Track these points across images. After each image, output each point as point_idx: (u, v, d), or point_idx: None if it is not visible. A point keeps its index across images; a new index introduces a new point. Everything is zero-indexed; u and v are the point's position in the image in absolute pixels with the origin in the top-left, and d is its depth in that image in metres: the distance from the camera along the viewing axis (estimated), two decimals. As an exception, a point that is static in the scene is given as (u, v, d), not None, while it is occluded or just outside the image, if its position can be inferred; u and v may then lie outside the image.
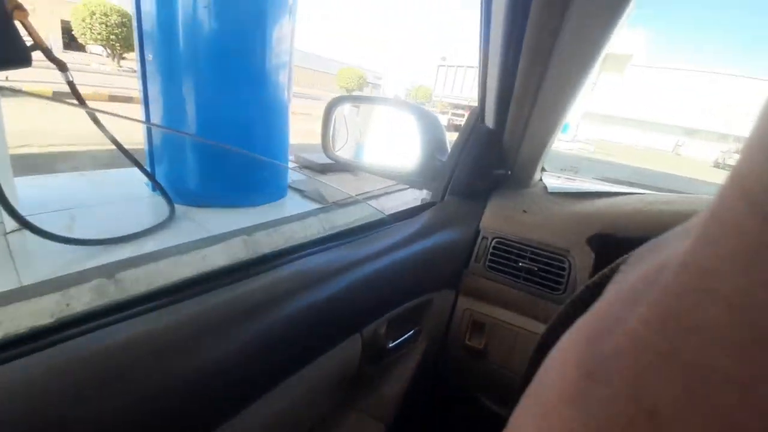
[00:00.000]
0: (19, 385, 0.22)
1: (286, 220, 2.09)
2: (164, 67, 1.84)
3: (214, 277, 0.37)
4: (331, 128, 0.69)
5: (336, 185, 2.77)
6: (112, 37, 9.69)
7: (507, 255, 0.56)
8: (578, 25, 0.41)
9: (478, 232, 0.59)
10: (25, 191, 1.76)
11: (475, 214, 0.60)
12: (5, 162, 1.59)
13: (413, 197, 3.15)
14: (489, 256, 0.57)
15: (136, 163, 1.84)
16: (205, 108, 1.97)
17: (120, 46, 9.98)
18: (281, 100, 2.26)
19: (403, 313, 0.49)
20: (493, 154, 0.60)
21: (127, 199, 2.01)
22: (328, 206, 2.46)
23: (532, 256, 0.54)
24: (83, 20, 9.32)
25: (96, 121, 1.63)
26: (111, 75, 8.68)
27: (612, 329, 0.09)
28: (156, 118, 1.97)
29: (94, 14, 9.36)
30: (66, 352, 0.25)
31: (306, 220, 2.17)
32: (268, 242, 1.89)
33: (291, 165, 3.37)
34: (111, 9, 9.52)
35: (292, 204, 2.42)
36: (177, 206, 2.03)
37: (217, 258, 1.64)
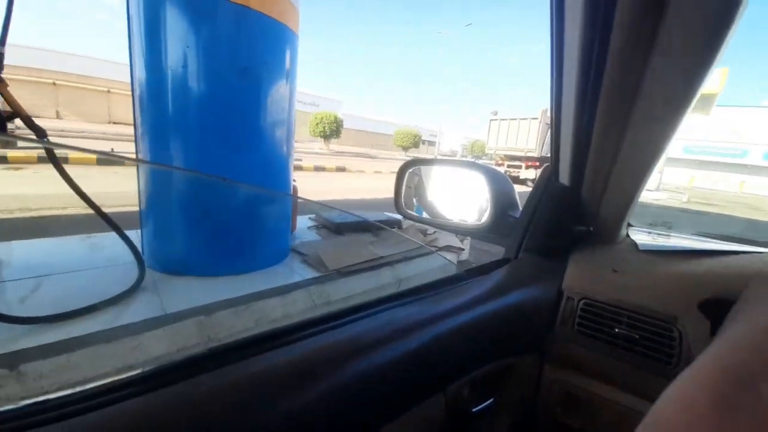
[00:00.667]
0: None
1: (266, 293, 1.78)
2: (154, 130, 1.79)
3: (300, 328, 0.37)
4: (403, 188, 0.74)
5: (352, 247, 2.43)
6: (327, 131, 16.01)
7: (599, 319, 0.51)
8: (665, 65, 0.35)
9: (561, 292, 0.55)
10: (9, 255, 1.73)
11: (555, 273, 0.56)
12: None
13: (438, 264, 2.69)
14: (577, 319, 0.52)
15: (114, 227, 1.72)
16: (194, 168, 1.85)
17: (328, 136, 16.51)
18: (279, 161, 2.11)
19: (482, 377, 0.47)
20: (570, 211, 0.58)
21: (105, 264, 1.89)
22: (327, 275, 2.10)
23: (630, 321, 0.49)
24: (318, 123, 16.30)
25: (73, 186, 1.56)
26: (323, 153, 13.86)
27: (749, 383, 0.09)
28: (147, 179, 1.90)
29: (323, 120, 15.99)
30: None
31: (291, 294, 1.83)
32: (232, 324, 1.56)
33: (309, 224, 3.17)
34: (329, 116, 16.08)
35: (287, 271, 2.12)
36: (155, 274, 1.86)
37: (155, 346, 1.34)
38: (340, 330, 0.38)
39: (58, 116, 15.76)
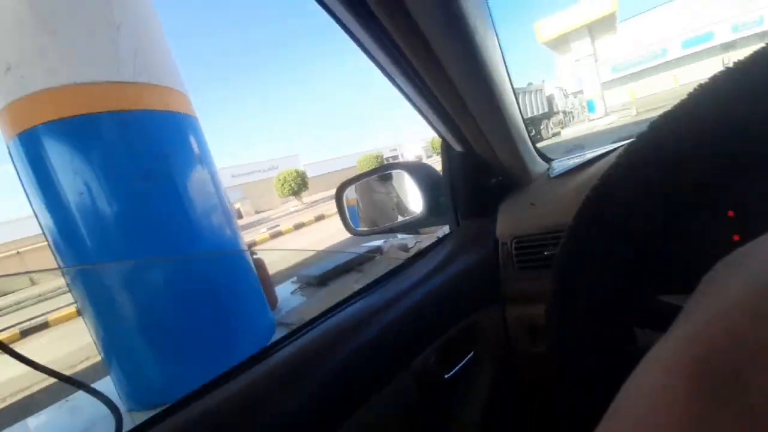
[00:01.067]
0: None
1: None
2: (81, 271, 1.68)
3: (280, 341, 0.43)
4: (345, 209, 0.78)
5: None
6: (294, 187, 16.07)
7: (531, 251, 0.55)
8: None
9: (496, 241, 0.60)
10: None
11: (489, 227, 0.61)
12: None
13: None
14: (514, 258, 0.57)
15: (80, 385, 1.55)
16: (142, 290, 1.72)
17: (297, 192, 16.58)
18: (227, 243, 1.99)
19: (451, 340, 0.50)
20: (477, 170, 0.62)
21: (86, 426, 1.71)
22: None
23: (554, 242, 0.53)
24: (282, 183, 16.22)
25: (30, 363, 1.41)
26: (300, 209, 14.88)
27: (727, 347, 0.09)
28: (94, 323, 1.76)
29: (287, 179, 15.98)
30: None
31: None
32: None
33: (292, 288, 3.03)
34: (290, 173, 16.26)
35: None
36: (135, 414, 1.68)
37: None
38: (314, 331, 0.43)
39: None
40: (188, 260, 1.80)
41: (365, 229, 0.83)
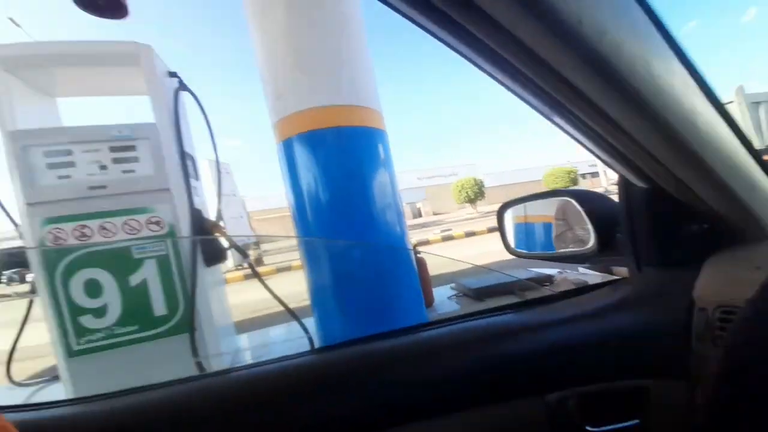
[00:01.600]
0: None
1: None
2: (303, 233, 2.33)
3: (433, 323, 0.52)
4: (506, 230, 0.80)
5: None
6: (471, 195, 17.12)
7: None
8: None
9: (692, 303, 0.48)
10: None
11: (683, 284, 0.50)
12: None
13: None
14: (717, 332, 0.44)
15: (295, 317, 2.19)
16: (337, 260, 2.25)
17: (473, 200, 17.59)
18: (395, 238, 2.30)
19: (602, 394, 0.47)
20: (672, 212, 0.51)
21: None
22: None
23: None
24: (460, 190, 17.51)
25: (268, 290, 2.14)
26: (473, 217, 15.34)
27: None
28: (308, 278, 2.41)
29: (464, 186, 17.31)
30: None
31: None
32: None
33: (450, 293, 3.12)
34: (468, 181, 17.26)
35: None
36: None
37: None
38: (459, 325, 0.49)
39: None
40: (366, 246, 2.20)
41: (525, 252, 0.81)
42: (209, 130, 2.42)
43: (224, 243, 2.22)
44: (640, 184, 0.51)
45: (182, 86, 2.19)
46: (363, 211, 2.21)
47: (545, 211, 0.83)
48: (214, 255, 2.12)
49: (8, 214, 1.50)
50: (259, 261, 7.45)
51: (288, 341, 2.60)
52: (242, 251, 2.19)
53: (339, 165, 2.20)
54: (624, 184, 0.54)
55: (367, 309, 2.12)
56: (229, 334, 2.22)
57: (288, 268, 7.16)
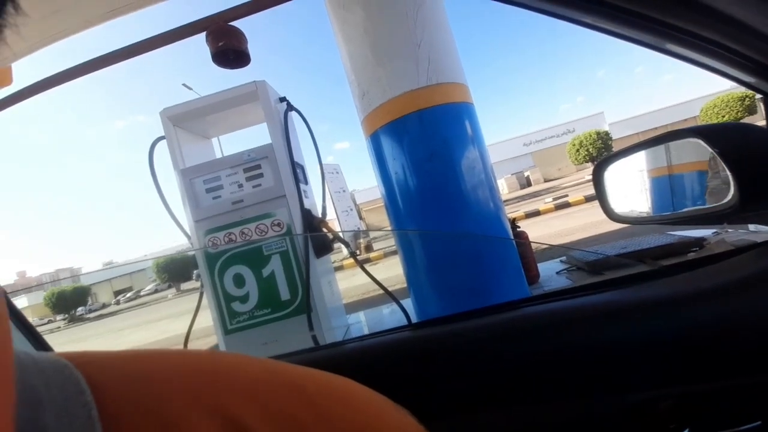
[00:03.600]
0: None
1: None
2: (396, 217, 2.47)
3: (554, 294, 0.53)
4: (605, 192, 0.69)
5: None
6: (593, 152, 13.96)
7: None
8: None
9: None
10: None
11: None
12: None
13: None
14: None
15: (393, 299, 2.41)
16: (430, 247, 2.33)
17: (596, 158, 14.19)
18: (489, 216, 2.23)
19: (715, 393, 0.39)
20: None
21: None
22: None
23: None
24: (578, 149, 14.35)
25: (365, 272, 2.41)
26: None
27: None
28: (403, 261, 2.57)
29: (583, 144, 13.93)
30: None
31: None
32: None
33: (559, 268, 2.85)
34: (588, 136, 14.13)
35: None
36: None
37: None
38: (557, 304, 0.47)
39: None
40: (456, 224, 2.19)
41: (633, 216, 0.67)
42: (313, 140, 2.75)
43: (332, 236, 2.53)
44: None
45: (290, 107, 2.55)
46: (451, 192, 2.20)
47: (660, 162, 0.68)
48: (323, 247, 2.45)
49: (183, 230, 2.08)
50: (369, 248, 8.14)
51: (389, 319, 2.83)
52: (345, 242, 2.46)
53: (423, 149, 2.23)
54: None
55: (462, 290, 2.13)
56: (340, 313, 2.54)
57: (394, 253, 7.60)
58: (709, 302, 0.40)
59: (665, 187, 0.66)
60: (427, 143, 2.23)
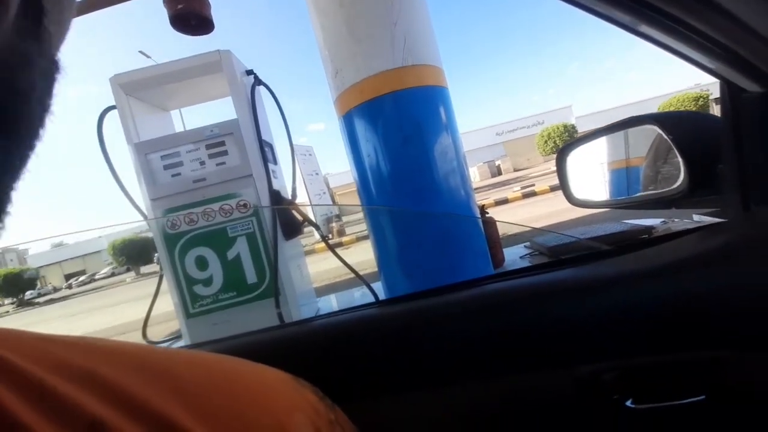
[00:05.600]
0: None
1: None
2: (367, 201, 2.45)
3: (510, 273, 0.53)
4: (566, 177, 0.71)
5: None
6: (559, 144, 14.73)
7: None
8: None
9: None
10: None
11: None
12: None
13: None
14: None
15: (364, 282, 2.41)
16: (400, 226, 2.34)
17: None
18: (460, 203, 2.26)
19: (658, 366, 0.40)
20: None
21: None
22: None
23: None
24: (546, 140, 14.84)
25: (336, 255, 2.39)
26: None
27: None
28: (373, 245, 2.56)
29: (551, 135, 14.74)
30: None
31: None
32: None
33: (523, 253, 2.97)
34: (555, 129, 14.77)
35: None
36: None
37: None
38: (506, 283, 0.49)
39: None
40: (428, 214, 2.20)
41: (593, 200, 0.70)
42: (283, 117, 2.63)
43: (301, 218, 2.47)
44: (753, 87, 0.39)
45: (258, 81, 2.40)
46: (423, 178, 2.20)
47: (619, 148, 0.70)
48: (292, 229, 2.39)
49: (138, 209, 1.94)
50: (341, 232, 8.09)
51: (360, 301, 2.86)
52: (315, 225, 2.41)
53: (396, 131, 2.19)
54: (729, 93, 0.42)
55: (431, 271, 2.17)
56: (309, 297, 2.52)
57: (366, 237, 7.61)
58: (654, 280, 0.42)
59: (622, 175, 0.69)
60: (401, 126, 2.20)
